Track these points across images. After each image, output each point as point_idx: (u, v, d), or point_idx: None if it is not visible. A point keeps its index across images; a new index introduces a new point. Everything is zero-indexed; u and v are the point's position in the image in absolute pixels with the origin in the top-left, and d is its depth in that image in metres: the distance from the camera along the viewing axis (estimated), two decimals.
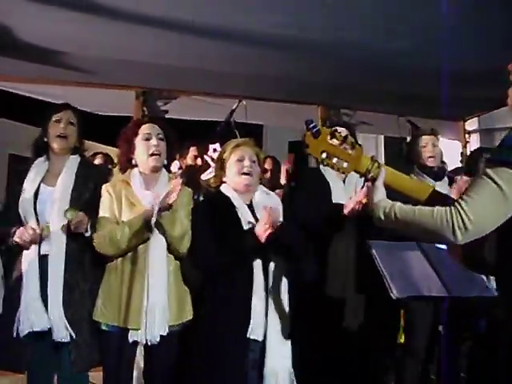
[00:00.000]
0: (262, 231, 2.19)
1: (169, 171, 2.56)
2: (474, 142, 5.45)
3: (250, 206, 2.40)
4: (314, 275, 2.40)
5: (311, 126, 1.57)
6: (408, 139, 3.77)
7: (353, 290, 2.67)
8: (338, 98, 4.46)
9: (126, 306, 2.21)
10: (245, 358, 2.20)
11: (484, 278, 2.30)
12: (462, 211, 1.31)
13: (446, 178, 3.11)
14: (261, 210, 2.30)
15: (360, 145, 1.65)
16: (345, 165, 1.62)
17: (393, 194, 1.59)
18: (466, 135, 5.57)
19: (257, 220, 2.30)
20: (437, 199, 1.54)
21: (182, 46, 3.47)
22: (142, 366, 2.41)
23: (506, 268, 1.42)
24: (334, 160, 1.61)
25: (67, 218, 2.30)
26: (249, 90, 4.32)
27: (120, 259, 2.29)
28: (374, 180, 1.60)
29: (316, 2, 2.86)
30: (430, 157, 3.11)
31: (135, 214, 2.28)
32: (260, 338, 2.21)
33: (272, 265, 2.29)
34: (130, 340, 2.21)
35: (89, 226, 2.33)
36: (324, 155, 1.60)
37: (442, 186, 2.93)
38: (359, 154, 1.61)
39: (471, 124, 5.60)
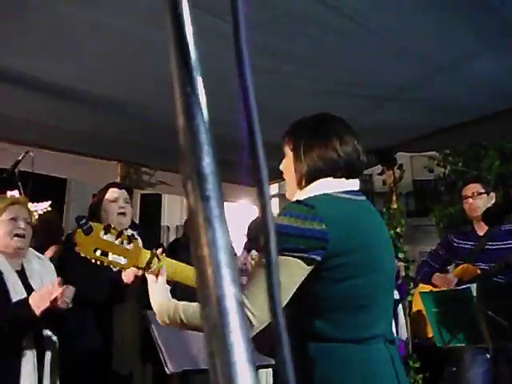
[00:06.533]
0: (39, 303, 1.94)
1: None
2: (274, 206, 5.79)
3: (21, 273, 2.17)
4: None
5: (81, 222, 1.43)
6: None
7: (139, 363, 2.60)
8: (138, 156, 4.33)
9: None
10: None
11: None
12: (245, 308, 1.17)
13: None
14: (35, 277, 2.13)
15: (136, 238, 1.59)
16: (123, 261, 1.52)
17: None
18: None
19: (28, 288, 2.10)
20: None
21: None
22: None
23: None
24: (111, 257, 1.49)
25: None
26: (42, 140, 3.93)
27: None
28: (156, 274, 1.52)
29: (123, 61, 2.73)
30: None
31: None
32: None
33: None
34: None
35: None
36: (98, 253, 1.47)
37: None
38: (137, 248, 1.53)
39: (271, 189, 5.98)
